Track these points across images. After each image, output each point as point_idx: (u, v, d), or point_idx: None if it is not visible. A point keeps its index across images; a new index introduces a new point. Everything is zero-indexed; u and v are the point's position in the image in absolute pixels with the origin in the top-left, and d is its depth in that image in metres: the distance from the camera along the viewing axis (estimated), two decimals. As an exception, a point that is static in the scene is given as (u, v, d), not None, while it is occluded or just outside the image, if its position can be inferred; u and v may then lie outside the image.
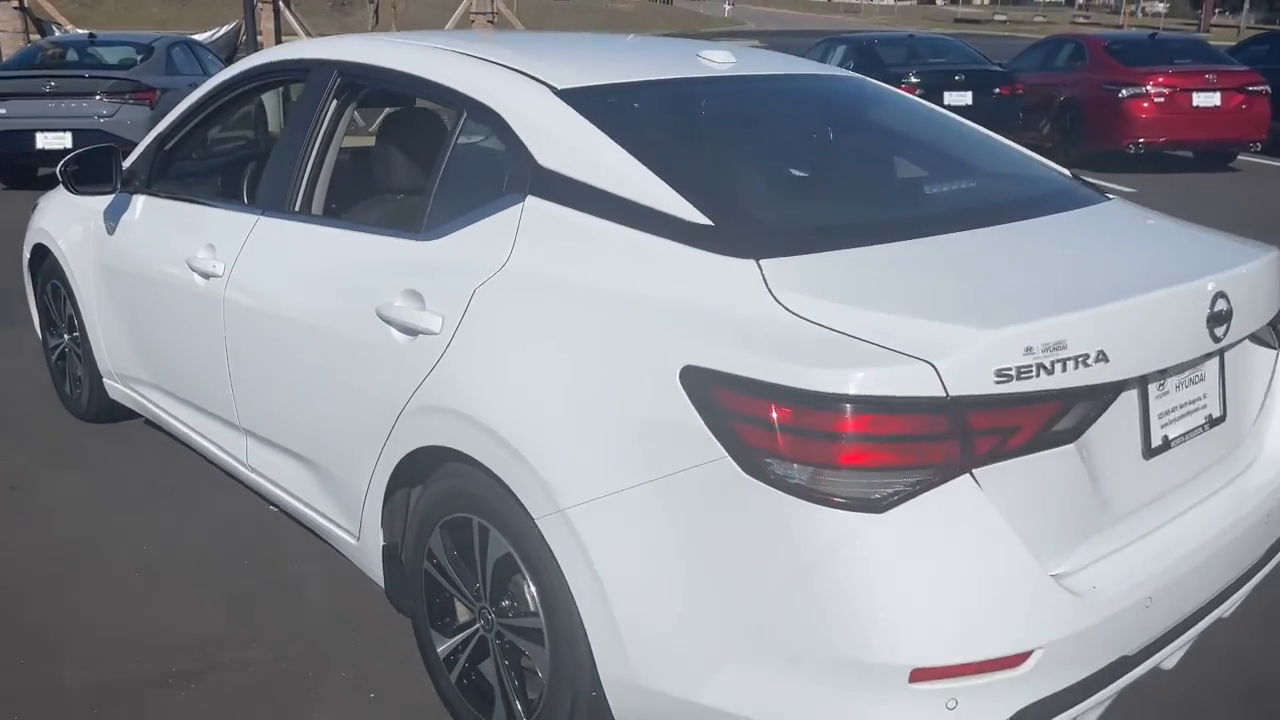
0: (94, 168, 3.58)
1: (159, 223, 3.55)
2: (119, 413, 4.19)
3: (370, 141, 3.42)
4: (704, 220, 2.06)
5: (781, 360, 1.79)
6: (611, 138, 2.28)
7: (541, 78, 2.51)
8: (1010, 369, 1.77)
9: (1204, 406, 2.22)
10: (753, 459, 1.80)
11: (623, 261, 2.12)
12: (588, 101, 2.42)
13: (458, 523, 2.36)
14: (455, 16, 17.10)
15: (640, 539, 1.96)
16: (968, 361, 1.75)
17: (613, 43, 3.59)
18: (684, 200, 2.10)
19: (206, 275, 3.14)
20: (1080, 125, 12.53)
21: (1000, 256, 2.19)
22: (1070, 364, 1.83)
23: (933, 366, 1.74)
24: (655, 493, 1.92)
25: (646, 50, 3.19)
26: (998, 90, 11.80)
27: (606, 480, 1.98)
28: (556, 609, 2.13)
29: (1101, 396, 1.90)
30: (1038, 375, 1.79)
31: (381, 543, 2.63)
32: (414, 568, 2.53)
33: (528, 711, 2.29)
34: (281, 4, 16.22)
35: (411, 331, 2.39)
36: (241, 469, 3.27)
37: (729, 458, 1.82)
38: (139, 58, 11.21)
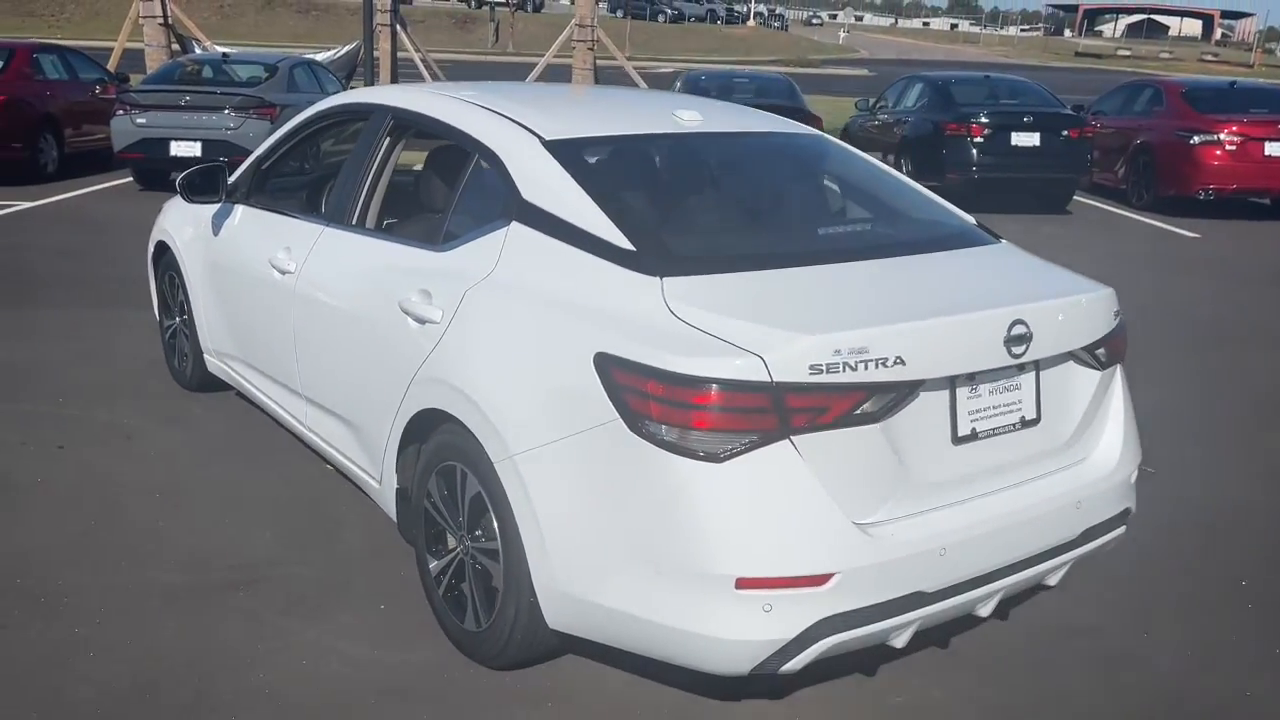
0: (205, 182, 4.44)
1: (252, 228, 4.39)
2: (214, 384, 5.05)
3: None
4: (629, 246, 2.76)
5: (659, 350, 2.47)
6: (576, 180, 3.00)
7: (534, 129, 3.24)
8: (821, 364, 2.42)
9: (1018, 410, 2.82)
10: (635, 421, 2.49)
11: (570, 273, 2.83)
12: (565, 150, 3.14)
13: (447, 469, 3.08)
14: (557, 43, 18.05)
15: (562, 479, 2.66)
16: (788, 357, 2.41)
17: (607, 99, 4.31)
18: (618, 230, 2.80)
19: (283, 271, 3.95)
20: (1152, 170, 12.78)
21: (858, 283, 2.84)
22: (872, 365, 2.46)
23: (761, 359, 2.40)
24: (573, 444, 2.62)
25: (630, 108, 3.90)
26: (1066, 133, 12.14)
27: (541, 434, 2.69)
28: (508, 535, 2.83)
29: (900, 391, 2.53)
30: (843, 371, 2.44)
31: (395, 486, 3.38)
32: (416, 506, 3.26)
33: (489, 616, 2.99)
34: (399, 27, 17.40)
35: (421, 320, 3.14)
36: (301, 429, 4.07)
37: (620, 420, 2.51)
38: (264, 76, 12.41)
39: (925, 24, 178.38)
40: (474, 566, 3.03)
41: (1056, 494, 2.87)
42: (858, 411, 2.48)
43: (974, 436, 2.72)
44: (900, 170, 12.93)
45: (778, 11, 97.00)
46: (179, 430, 4.87)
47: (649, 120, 3.60)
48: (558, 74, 18.19)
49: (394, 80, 17.06)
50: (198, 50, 17.12)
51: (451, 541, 3.15)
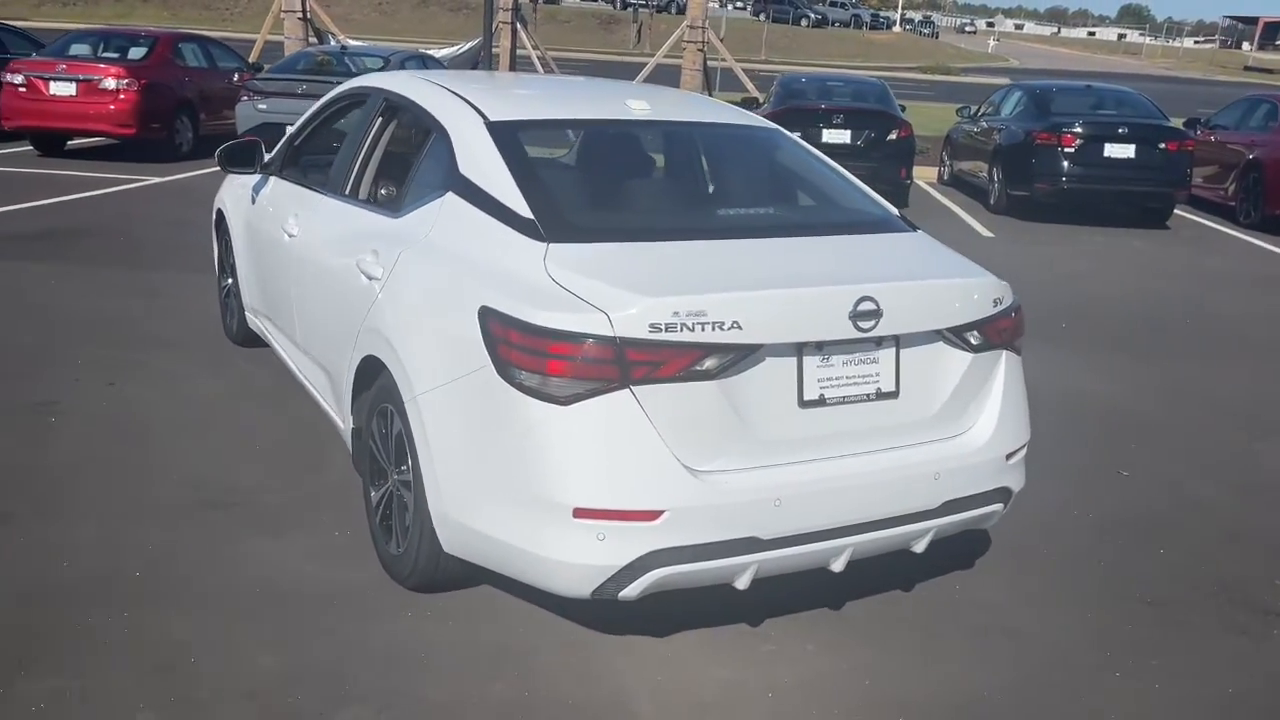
0: (242, 155, 4.98)
1: (277, 198, 4.91)
2: (256, 339, 5.61)
3: None
4: (529, 215, 3.11)
5: (525, 305, 2.81)
6: (504, 157, 3.36)
7: (483, 110, 3.61)
8: (660, 324, 2.72)
9: (873, 382, 3.04)
10: (503, 367, 2.83)
11: (479, 237, 3.19)
12: (503, 130, 3.50)
13: (382, 410, 3.48)
14: (668, 44, 18.44)
15: (449, 417, 3.02)
16: (630, 316, 2.71)
17: (572, 89, 4.65)
18: (524, 202, 3.15)
19: (290, 236, 4.44)
20: (1262, 187, 12.34)
21: (730, 256, 3.10)
22: (708, 327, 2.74)
23: (607, 316, 2.71)
24: (458, 387, 2.98)
25: (589, 97, 4.23)
26: (1164, 145, 11.85)
27: (437, 378, 3.06)
28: (416, 467, 3.21)
29: (737, 353, 2.79)
30: (681, 331, 2.73)
31: (352, 426, 3.80)
32: (363, 443, 3.68)
33: (404, 541, 3.38)
34: (518, 25, 18.10)
35: (369, 277, 3.55)
36: (301, 377, 4.55)
37: (491, 366, 2.86)
38: (379, 68, 13.18)
39: (1091, 33, 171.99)
40: (398, 497, 3.42)
41: (912, 464, 3.08)
42: (695, 368, 2.76)
43: (821, 402, 2.96)
44: (990, 180, 13.05)
45: (929, 18, 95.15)
46: (219, 378, 5.43)
47: (599, 108, 3.93)
48: (667, 75, 18.57)
49: (511, 76, 17.74)
50: (332, 43, 18.18)
51: (386, 475, 3.55)
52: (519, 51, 18.49)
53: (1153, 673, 3.29)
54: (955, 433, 3.21)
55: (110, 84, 13.03)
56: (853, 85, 14.24)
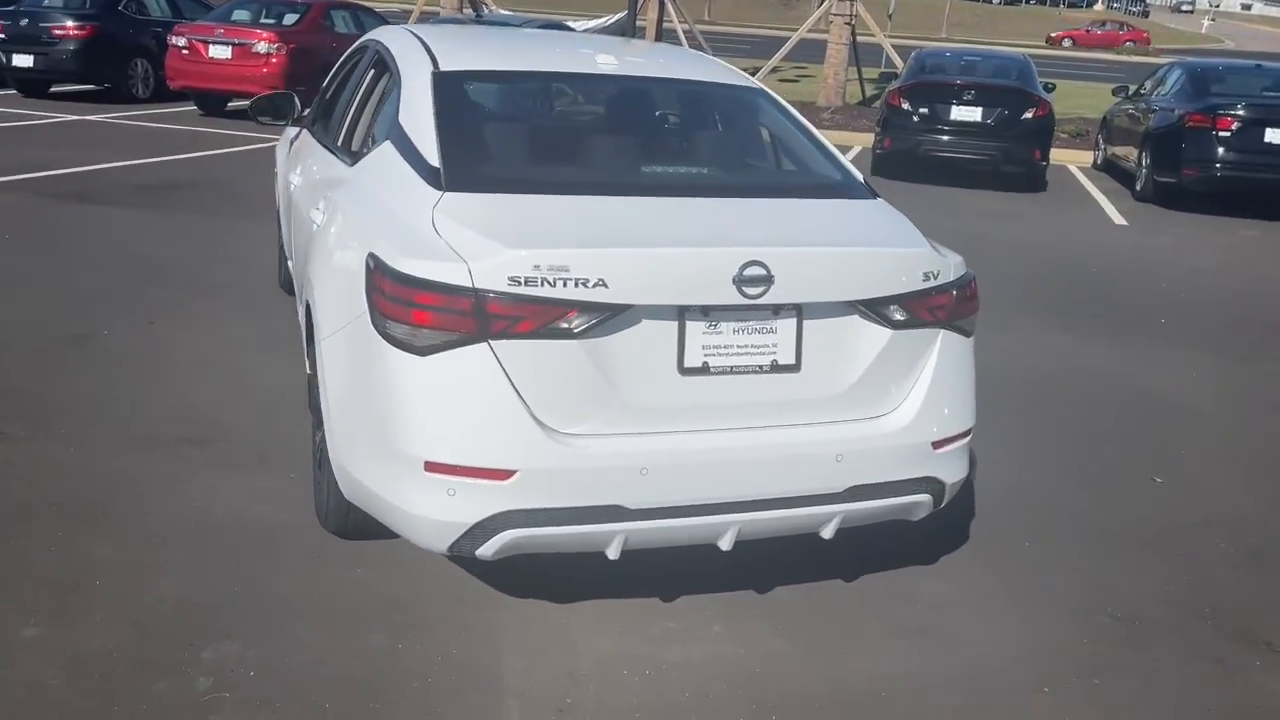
0: (274, 106, 5.12)
1: (298, 148, 5.02)
2: (297, 288, 5.79)
3: None
4: (436, 164, 3.06)
5: (398, 252, 2.77)
6: (436, 106, 3.31)
7: (438, 60, 3.57)
8: (520, 277, 2.62)
9: (769, 353, 2.85)
10: (374, 314, 2.80)
11: (394, 185, 3.16)
12: (447, 80, 3.46)
13: (315, 354, 3.51)
14: (813, 17, 17.96)
15: (339, 362, 3.02)
16: (490, 267, 2.63)
17: (549, 42, 4.54)
18: (437, 150, 3.10)
19: (293, 185, 4.54)
20: None
21: (626, 213, 2.96)
22: (571, 283, 2.63)
23: (467, 267, 2.64)
24: (345, 333, 2.97)
25: (559, 51, 4.11)
26: (1337, 133, 10.76)
27: (334, 323, 3.06)
28: (319, 412, 3.23)
29: (603, 312, 2.66)
30: (541, 286, 2.62)
31: (309, 372, 3.86)
32: (311, 389, 3.73)
33: (323, 486, 3.40)
34: (666, -2, 18.01)
35: (315, 223, 3.58)
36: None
37: (367, 313, 2.83)
38: (510, 35, 13.37)
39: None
40: (321, 436, 3.46)
41: (811, 443, 2.89)
42: (556, 326, 2.65)
43: (705, 370, 2.80)
44: (1138, 164, 12.09)
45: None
46: (253, 324, 5.64)
47: (562, 61, 3.82)
48: (814, 49, 18.12)
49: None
50: (485, 13, 18.56)
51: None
52: (665, 24, 18.40)
53: (1084, 695, 2.99)
54: (868, 414, 2.99)
55: (262, 48, 13.72)
56: (993, 60, 13.53)
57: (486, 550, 2.74)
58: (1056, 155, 15.54)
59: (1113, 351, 6.36)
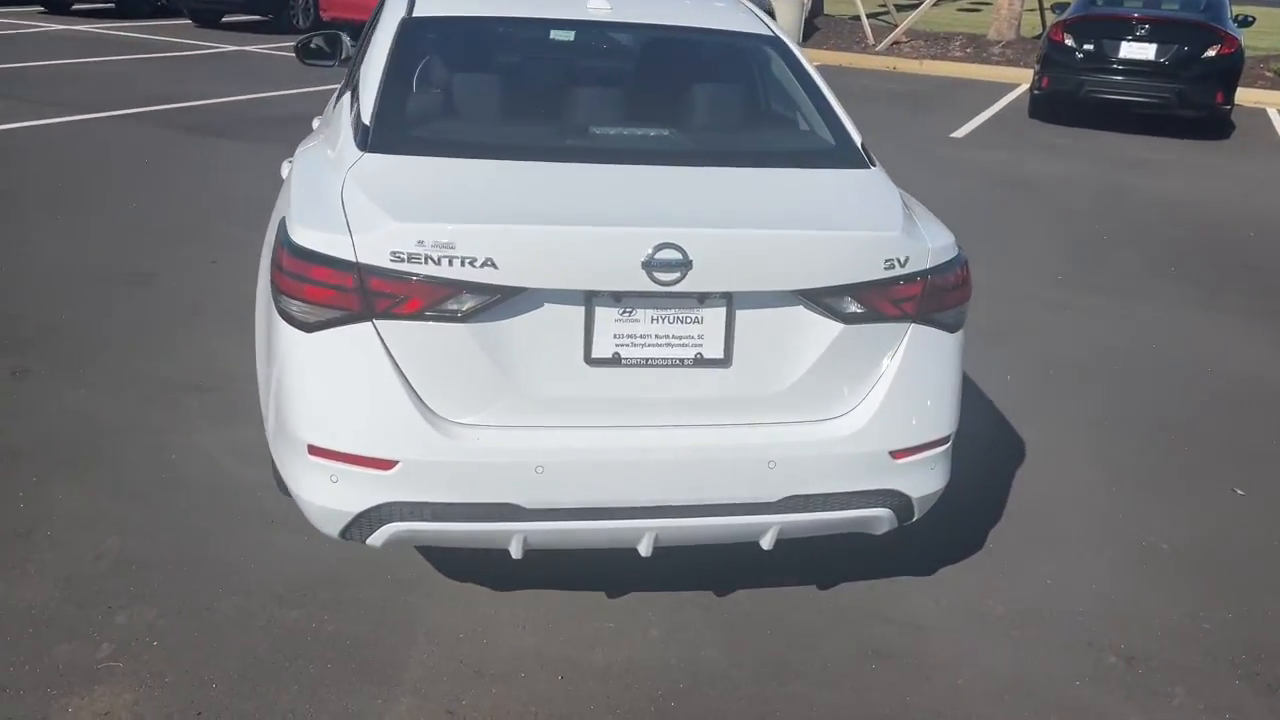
0: (322, 46, 5.01)
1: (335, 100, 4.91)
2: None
3: None
4: (368, 121, 2.86)
5: (298, 222, 2.59)
6: (391, 56, 3.10)
7: (414, 6, 3.34)
8: (403, 253, 2.41)
9: (694, 345, 2.55)
10: (274, 287, 2.65)
11: (331, 144, 2.99)
12: (412, 28, 3.23)
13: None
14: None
15: (260, 334, 2.89)
16: (373, 241, 2.42)
17: None
18: (373, 108, 2.90)
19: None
20: None
21: (550, 182, 2.68)
22: (457, 262, 2.40)
23: (350, 239, 2.45)
24: (261, 306, 2.85)
25: None
26: None
27: (262, 293, 2.93)
28: None
29: (492, 294, 2.42)
30: (425, 263, 2.40)
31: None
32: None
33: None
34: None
35: (283, 177, 3.46)
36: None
37: (272, 285, 2.69)
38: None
39: None
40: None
41: (739, 447, 2.59)
42: (443, 308, 2.43)
43: (616, 361, 2.53)
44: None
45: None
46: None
47: (547, 7, 3.51)
48: None
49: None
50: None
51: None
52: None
53: (1049, 747, 2.62)
54: (811, 417, 2.65)
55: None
56: (1176, -8, 12.20)
57: (375, 540, 2.59)
58: (1256, 98, 14.04)
59: (1245, 335, 5.63)
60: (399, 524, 2.54)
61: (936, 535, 3.32)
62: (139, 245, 5.83)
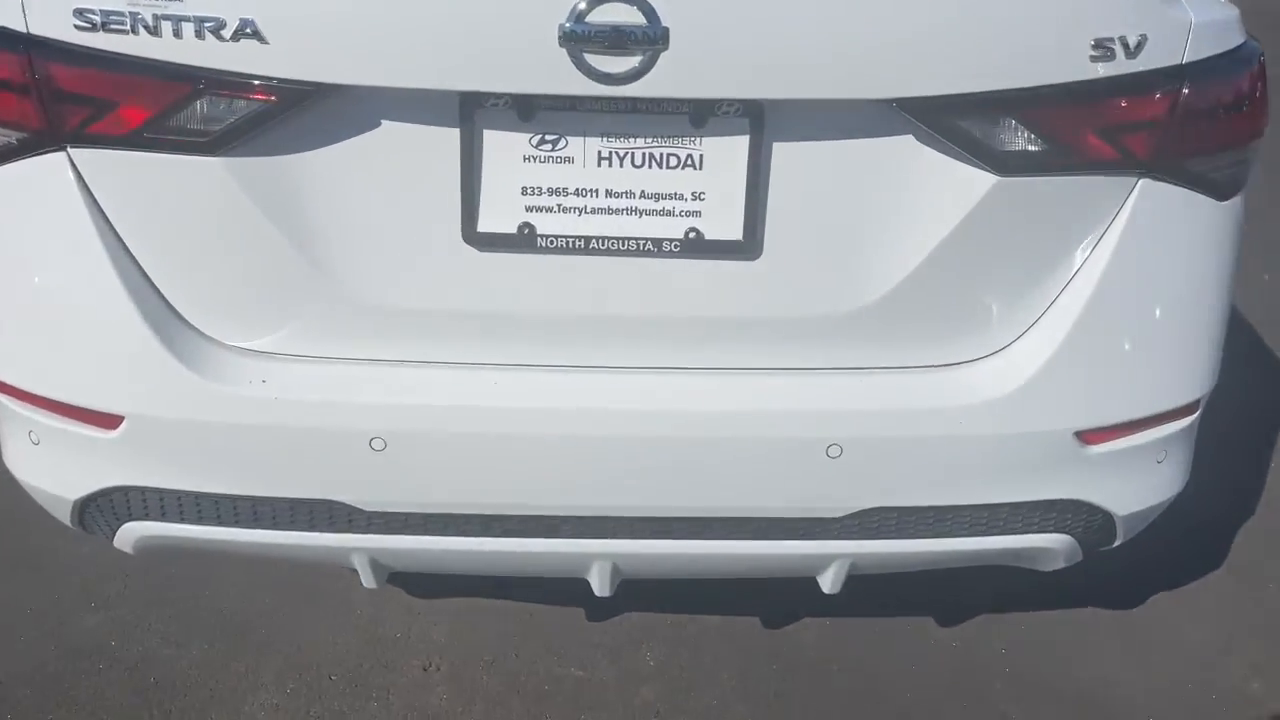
0: None
1: None
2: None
3: None
4: None
5: None
6: None
7: None
8: (93, 10, 1.21)
9: (686, 213, 1.27)
10: None
11: None
12: None
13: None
14: None
15: None
16: None
17: None
18: None
19: None
20: None
21: None
22: (190, 29, 1.19)
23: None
24: None
25: None
26: None
27: None
28: None
29: (264, 96, 1.20)
30: (134, 32, 1.20)
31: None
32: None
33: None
34: None
35: None
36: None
37: None
38: None
39: None
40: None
41: (773, 416, 1.33)
42: (179, 124, 1.24)
43: (526, 240, 1.28)
44: None
45: None
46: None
47: None
48: None
49: None
50: None
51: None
52: None
53: None
54: (922, 360, 1.36)
55: None
56: None
57: (122, 545, 1.47)
58: None
59: None
60: (145, 524, 1.41)
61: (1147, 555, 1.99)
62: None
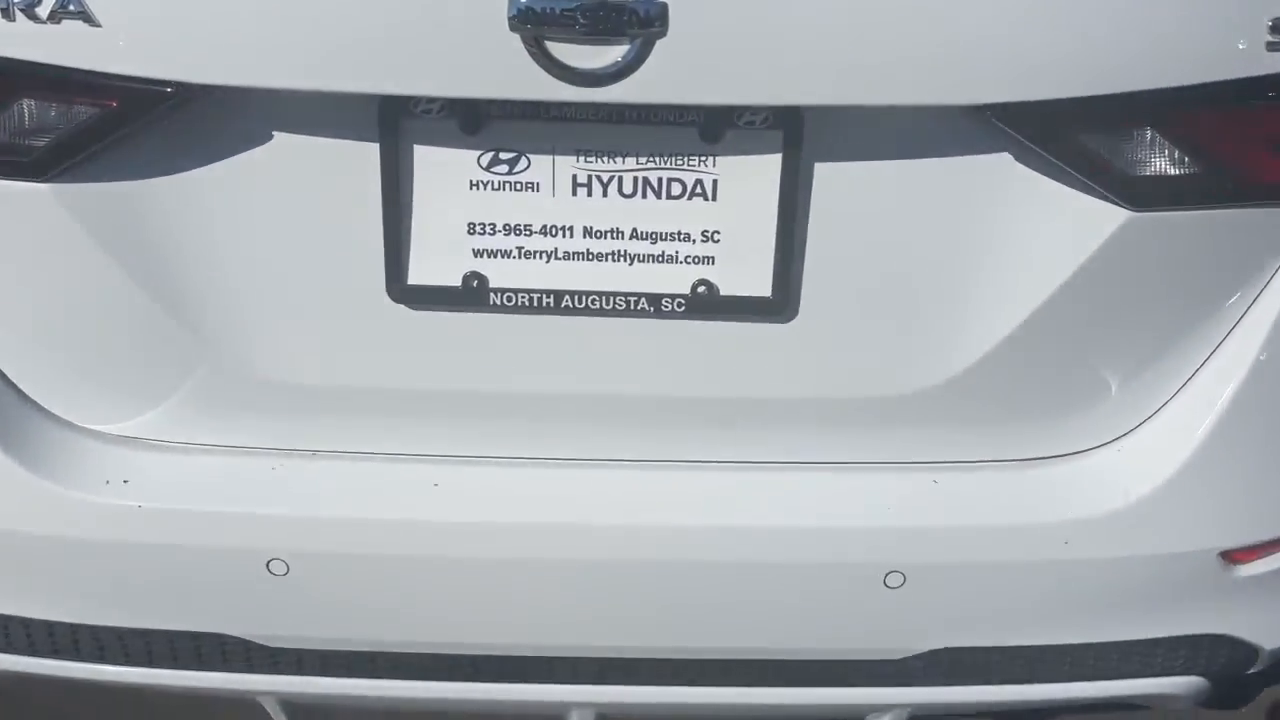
0: None
1: None
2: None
3: None
4: None
5: None
6: None
7: None
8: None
9: (693, 258, 0.93)
10: None
11: None
12: None
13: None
14: None
15: None
16: None
17: None
18: None
19: None
20: None
21: None
22: (24, 16, 0.85)
23: None
24: None
25: None
26: None
27: None
28: None
29: (89, 99, 0.87)
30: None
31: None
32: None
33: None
34: None
35: None
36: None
37: None
38: None
39: None
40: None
41: (810, 534, 0.99)
42: (10, 139, 0.90)
43: (474, 295, 0.94)
44: None
45: None
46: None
47: None
48: None
49: None
50: None
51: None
52: None
53: None
54: (1014, 454, 1.01)
55: None
56: None
57: None
58: None
59: None
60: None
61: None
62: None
